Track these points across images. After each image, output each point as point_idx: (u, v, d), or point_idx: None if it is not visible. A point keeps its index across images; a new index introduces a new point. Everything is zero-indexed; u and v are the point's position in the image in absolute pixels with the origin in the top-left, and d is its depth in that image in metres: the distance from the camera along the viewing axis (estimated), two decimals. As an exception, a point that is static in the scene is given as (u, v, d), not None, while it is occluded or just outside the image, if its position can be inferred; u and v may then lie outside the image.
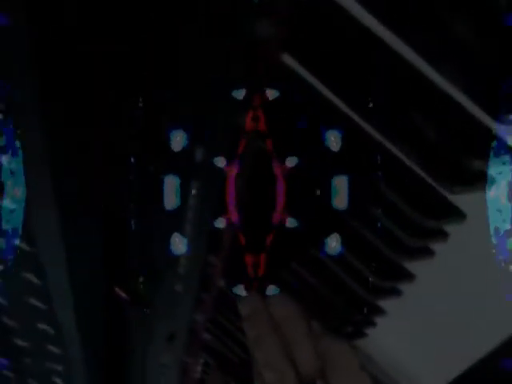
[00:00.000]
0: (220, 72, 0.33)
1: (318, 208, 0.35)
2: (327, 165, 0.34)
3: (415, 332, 0.41)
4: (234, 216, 0.39)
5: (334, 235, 0.36)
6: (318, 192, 0.35)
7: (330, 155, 0.34)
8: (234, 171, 0.37)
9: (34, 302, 0.49)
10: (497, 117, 0.28)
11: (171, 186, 0.37)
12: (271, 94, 0.33)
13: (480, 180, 0.31)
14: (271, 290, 0.41)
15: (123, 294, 0.53)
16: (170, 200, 0.38)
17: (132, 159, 0.39)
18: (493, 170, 0.30)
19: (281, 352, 0.39)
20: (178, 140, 0.35)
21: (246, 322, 0.42)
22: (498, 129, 0.29)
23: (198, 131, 0.35)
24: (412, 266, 0.37)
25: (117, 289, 0.53)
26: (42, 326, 0.52)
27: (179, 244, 0.43)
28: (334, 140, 0.33)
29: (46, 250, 0.43)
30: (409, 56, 0.29)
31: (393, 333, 0.43)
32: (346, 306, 0.40)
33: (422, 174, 0.32)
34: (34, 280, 0.46)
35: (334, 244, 0.37)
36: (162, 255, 0.46)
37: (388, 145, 0.32)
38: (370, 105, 0.31)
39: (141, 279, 0.51)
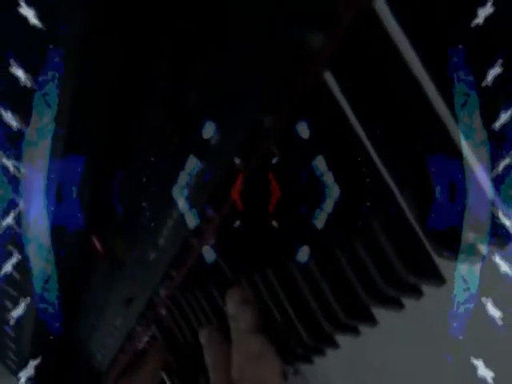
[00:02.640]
0: (261, 72, 0.33)
1: (300, 220, 0.36)
2: (323, 190, 0.35)
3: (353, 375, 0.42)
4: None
5: (305, 248, 0.37)
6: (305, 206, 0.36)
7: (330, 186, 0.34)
8: (243, 169, 0.38)
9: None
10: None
11: (190, 165, 0.38)
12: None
13: (471, 253, 0.31)
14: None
15: (98, 246, 0.54)
16: (182, 179, 0.39)
17: (161, 129, 0.39)
18: (485, 245, 0.30)
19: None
20: (208, 129, 0.36)
21: (205, 349, 0.49)
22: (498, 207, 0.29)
23: (225, 126, 0.36)
24: (378, 312, 0.38)
25: (95, 238, 0.53)
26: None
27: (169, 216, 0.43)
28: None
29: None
30: (442, 113, 0.29)
31: (336, 369, 0.43)
32: (296, 326, 0.41)
33: (417, 228, 0.33)
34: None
35: (303, 256, 0.37)
36: (147, 221, 0.46)
37: (393, 187, 0.32)
38: (390, 150, 0.31)
39: (119, 237, 0.52)
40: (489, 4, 0.26)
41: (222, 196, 0.40)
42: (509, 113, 0.27)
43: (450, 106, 0.28)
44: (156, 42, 0.36)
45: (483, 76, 0.27)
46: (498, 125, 0.27)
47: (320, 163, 0.35)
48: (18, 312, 0.48)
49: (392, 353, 0.41)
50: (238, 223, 0.42)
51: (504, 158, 0.28)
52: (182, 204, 0.41)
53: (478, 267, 0.31)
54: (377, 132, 0.31)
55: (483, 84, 0.27)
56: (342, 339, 0.41)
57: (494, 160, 0.28)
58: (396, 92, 0.30)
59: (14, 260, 0.46)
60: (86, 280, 0.58)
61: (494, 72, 0.27)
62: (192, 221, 0.42)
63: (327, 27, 0.30)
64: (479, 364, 0.34)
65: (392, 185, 0.32)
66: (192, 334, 0.57)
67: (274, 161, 0.38)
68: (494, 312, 0.33)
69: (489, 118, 0.27)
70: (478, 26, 0.26)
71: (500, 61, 0.27)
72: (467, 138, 0.28)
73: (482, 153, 0.28)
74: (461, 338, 0.33)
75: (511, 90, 0.27)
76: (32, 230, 0.42)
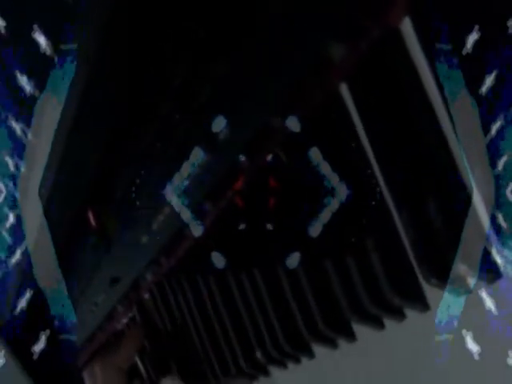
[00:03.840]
0: (278, 75, 0.33)
1: (295, 226, 0.36)
2: (323, 200, 0.35)
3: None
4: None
5: (296, 254, 0.37)
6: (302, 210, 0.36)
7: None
8: (246, 167, 0.38)
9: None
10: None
11: (194, 156, 0.39)
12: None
13: (459, 284, 0.31)
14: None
15: (93, 221, 0.54)
16: (185, 169, 0.39)
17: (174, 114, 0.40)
18: (474, 279, 0.30)
19: None
20: (218, 123, 0.36)
21: None
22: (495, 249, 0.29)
23: (235, 123, 0.36)
24: (358, 328, 0.38)
25: (91, 213, 0.53)
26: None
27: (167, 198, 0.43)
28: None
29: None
30: (451, 143, 0.29)
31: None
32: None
33: (410, 252, 0.33)
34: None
35: (292, 262, 0.38)
36: (145, 204, 0.46)
37: (392, 209, 0.32)
38: (395, 173, 0.31)
39: (115, 216, 0.52)
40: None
41: (221, 191, 0.40)
42: (493, 75, 0.27)
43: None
44: (180, 31, 0.36)
45: (462, 43, 0.27)
46: (484, 89, 0.27)
47: (324, 169, 0.35)
48: (40, 346, 0.49)
49: (365, 367, 0.42)
50: (233, 220, 0.42)
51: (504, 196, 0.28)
52: (180, 193, 0.41)
53: (463, 299, 0.32)
54: (383, 152, 0.31)
55: (464, 52, 0.27)
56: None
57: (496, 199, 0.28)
58: (407, 114, 0.30)
59: (27, 295, 0.47)
60: (76, 252, 0.59)
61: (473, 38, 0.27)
62: (186, 212, 0.42)
63: (351, 40, 0.30)
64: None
65: (392, 206, 0.32)
66: (171, 322, 0.57)
67: (278, 163, 0.38)
68: (473, 346, 0.33)
69: (474, 84, 0.28)
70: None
71: (477, 26, 0.27)
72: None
73: (484, 190, 0.29)
74: (438, 366, 0.33)
75: (491, 54, 0.27)
76: (30, 197, 0.42)
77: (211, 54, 0.36)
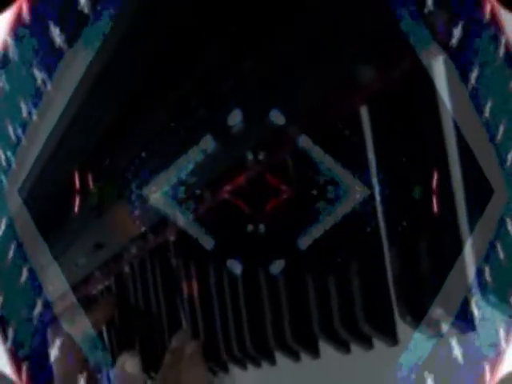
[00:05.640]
0: (302, 83, 0.33)
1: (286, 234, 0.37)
2: (318, 215, 0.35)
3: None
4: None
5: (281, 262, 0.38)
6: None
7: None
8: (252, 165, 0.38)
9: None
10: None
11: (204, 143, 0.39)
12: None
13: (432, 327, 0.31)
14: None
15: (91, 183, 0.54)
16: (192, 153, 0.39)
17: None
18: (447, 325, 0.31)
19: None
20: (235, 116, 0.36)
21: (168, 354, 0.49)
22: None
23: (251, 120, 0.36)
24: (323, 347, 0.38)
25: (90, 174, 0.53)
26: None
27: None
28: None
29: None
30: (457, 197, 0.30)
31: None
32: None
33: (391, 285, 0.33)
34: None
35: (275, 269, 0.38)
36: (145, 179, 0.46)
37: (383, 240, 0.32)
38: (394, 207, 0.32)
39: (111, 185, 0.52)
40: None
41: (221, 182, 0.41)
42: (459, 27, 0.27)
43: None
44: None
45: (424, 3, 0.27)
46: (454, 41, 0.28)
47: (328, 186, 0.35)
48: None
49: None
50: (226, 214, 0.42)
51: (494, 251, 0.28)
52: (183, 176, 0.41)
53: (432, 342, 0.32)
54: (387, 183, 0.31)
55: (426, 10, 0.27)
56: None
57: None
58: (419, 152, 0.30)
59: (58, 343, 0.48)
60: (68, 210, 0.59)
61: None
62: (183, 194, 0.42)
63: (382, 66, 0.30)
64: None
65: (384, 236, 0.32)
66: (144, 301, 0.57)
67: (284, 169, 0.38)
68: (432, 389, 0.33)
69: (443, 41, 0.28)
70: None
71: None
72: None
73: (478, 241, 0.29)
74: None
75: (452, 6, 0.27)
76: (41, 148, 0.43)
77: (241, 47, 0.36)
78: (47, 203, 0.53)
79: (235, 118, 0.37)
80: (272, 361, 0.42)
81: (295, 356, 0.40)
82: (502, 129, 0.28)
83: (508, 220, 0.29)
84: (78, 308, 0.61)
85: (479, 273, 0.30)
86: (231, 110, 0.37)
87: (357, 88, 0.31)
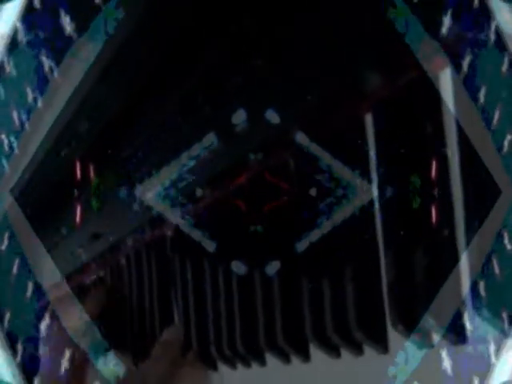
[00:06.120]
0: (309, 90, 0.33)
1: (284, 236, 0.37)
2: (317, 219, 0.35)
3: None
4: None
5: (276, 263, 0.38)
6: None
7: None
8: (253, 165, 0.38)
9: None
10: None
11: (207, 140, 0.39)
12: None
13: (423, 337, 0.31)
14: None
15: (92, 172, 0.54)
16: (194, 149, 0.39)
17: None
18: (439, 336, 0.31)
19: None
20: (239, 115, 0.37)
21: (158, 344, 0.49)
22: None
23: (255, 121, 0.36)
24: (314, 350, 0.38)
25: (92, 163, 0.53)
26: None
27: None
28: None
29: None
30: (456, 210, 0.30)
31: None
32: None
33: (385, 293, 0.33)
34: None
35: (271, 270, 0.38)
36: (145, 172, 0.46)
37: (380, 248, 0.32)
38: (396, 212, 0.32)
39: (115, 174, 0.52)
40: None
41: (221, 181, 0.41)
42: (448, 15, 0.27)
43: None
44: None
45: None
46: (444, 30, 0.28)
47: (328, 189, 0.35)
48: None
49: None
50: (228, 214, 0.42)
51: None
52: (184, 172, 0.41)
53: (423, 352, 0.32)
54: (387, 191, 0.31)
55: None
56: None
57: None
58: (420, 163, 0.30)
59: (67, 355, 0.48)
60: (69, 198, 0.59)
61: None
62: (182, 190, 0.42)
63: (390, 75, 0.30)
64: None
65: (381, 244, 0.32)
66: (138, 292, 0.57)
67: (286, 171, 0.38)
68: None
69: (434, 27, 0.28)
70: None
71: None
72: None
73: (474, 256, 0.29)
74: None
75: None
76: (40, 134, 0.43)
77: (252, 46, 0.36)
78: (47, 190, 0.53)
79: (239, 117, 0.37)
80: (262, 361, 0.42)
81: (285, 358, 0.40)
82: (497, 114, 0.29)
83: (505, 234, 0.29)
84: (71, 298, 0.60)
85: (474, 286, 0.30)
86: (236, 109, 0.37)
87: (365, 95, 0.31)
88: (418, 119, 0.31)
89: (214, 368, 0.49)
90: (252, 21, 0.35)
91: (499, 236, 0.29)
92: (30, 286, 0.43)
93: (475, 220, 0.29)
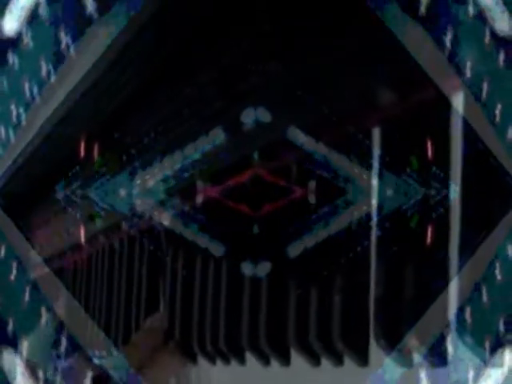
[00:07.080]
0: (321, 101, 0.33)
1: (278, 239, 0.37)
2: (313, 225, 0.35)
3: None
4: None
5: (267, 264, 0.38)
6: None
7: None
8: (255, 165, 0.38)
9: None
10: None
11: (214, 134, 0.39)
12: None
13: (404, 356, 0.31)
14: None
15: (96, 151, 0.54)
16: (200, 142, 0.39)
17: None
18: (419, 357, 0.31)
19: None
20: (248, 114, 0.37)
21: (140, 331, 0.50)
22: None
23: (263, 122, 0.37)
24: (294, 356, 0.38)
25: (97, 143, 0.53)
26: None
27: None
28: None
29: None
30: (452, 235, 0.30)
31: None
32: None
33: (371, 307, 0.33)
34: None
35: (261, 271, 0.38)
36: (149, 160, 0.46)
37: (372, 262, 0.32)
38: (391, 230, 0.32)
39: (119, 156, 0.52)
40: None
41: (225, 177, 0.41)
42: None
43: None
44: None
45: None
46: (422, 9, 0.28)
47: (329, 198, 0.35)
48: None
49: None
50: (223, 209, 0.42)
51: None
52: (186, 164, 0.41)
53: (402, 370, 0.32)
54: (386, 208, 0.31)
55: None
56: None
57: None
58: (423, 179, 0.30)
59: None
60: (71, 177, 0.59)
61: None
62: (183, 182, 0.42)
63: (403, 92, 0.30)
64: None
65: (373, 259, 0.32)
66: (128, 278, 0.57)
67: (288, 174, 0.38)
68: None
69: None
70: None
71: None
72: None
73: (464, 281, 0.29)
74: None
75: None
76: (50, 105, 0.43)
77: (271, 49, 0.36)
78: (51, 166, 0.53)
79: (249, 116, 0.37)
80: (242, 360, 0.42)
81: (265, 360, 0.40)
82: (485, 87, 0.29)
83: (497, 264, 0.29)
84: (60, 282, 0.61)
85: (460, 311, 0.30)
86: (246, 107, 0.37)
87: (376, 110, 0.31)
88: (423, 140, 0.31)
89: (194, 360, 0.49)
90: (271, 26, 0.35)
91: (491, 265, 0.29)
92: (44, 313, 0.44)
93: (470, 246, 0.29)
